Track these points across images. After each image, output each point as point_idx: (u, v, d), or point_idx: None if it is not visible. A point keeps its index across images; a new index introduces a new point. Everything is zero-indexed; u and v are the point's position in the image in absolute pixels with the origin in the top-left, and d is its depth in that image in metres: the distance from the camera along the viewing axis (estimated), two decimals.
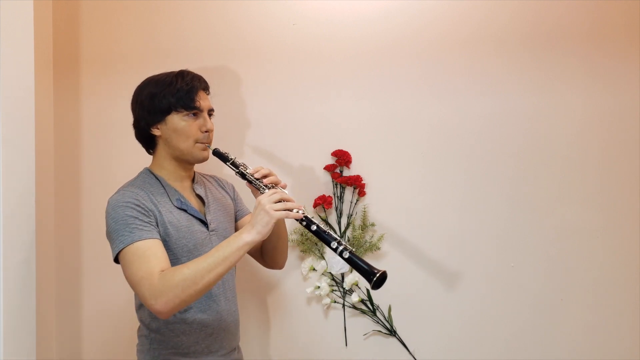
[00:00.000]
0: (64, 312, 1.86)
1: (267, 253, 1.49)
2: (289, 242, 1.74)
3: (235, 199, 1.54)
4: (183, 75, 1.35)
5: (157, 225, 1.25)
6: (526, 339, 1.73)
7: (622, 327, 1.71)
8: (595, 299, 1.71)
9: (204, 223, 1.36)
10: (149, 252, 1.18)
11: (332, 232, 1.24)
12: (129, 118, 1.82)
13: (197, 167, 1.47)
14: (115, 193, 1.28)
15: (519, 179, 1.74)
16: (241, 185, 1.74)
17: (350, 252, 1.19)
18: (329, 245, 1.21)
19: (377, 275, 1.16)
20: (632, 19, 1.73)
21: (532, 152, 1.74)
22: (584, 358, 1.71)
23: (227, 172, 1.79)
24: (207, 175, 1.54)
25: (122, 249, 1.19)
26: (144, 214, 1.23)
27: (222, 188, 1.53)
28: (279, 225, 1.43)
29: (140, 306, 1.35)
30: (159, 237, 1.24)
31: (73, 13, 1.86)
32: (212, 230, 1.37)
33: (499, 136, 1.75)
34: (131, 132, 1.80)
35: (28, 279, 1.45)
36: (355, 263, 1.18)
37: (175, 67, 1.76)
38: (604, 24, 1.73)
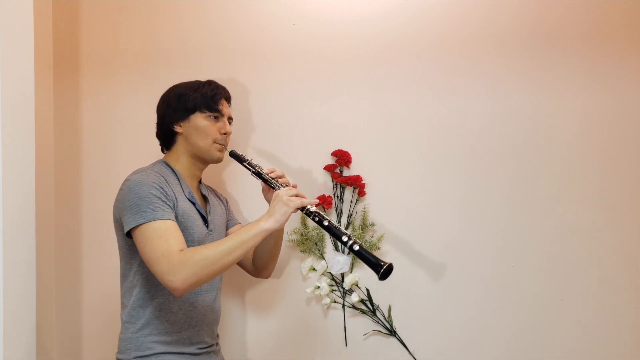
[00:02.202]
0: (64, 312, 1.86)
1: (260, 259, 1.56)
2: (288, 242, 1.76)
3: (228, 210, 1.63)
4: (210, 82, 1.50)
5: (174, 211, 1.31)
6: (526, 338, 1.73)
7: (622, 327, 1.70)
8: (595, 299, 1.71)
9: (205, 221, 1.43)
10: (169, 231, 1.24)
11: (341, 228, 1.36)
12: (129, 118, 1.84)
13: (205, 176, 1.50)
14: (137, 173, 1.34)
15: (519, 179, 1.74)
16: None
17: (360, 246, 1.31)
18: (340, 239, 1.33)
19: (385, 267, 1.28)
20: (632, 19, 1.73)
21: (532, 152, 1.74)
22: (584, 358, 1.71)
23: (230, 179, 1.80)
24: (206, 184, 1.61)
25: (142, 223, 1.23)
26: (166, 196, 1.30)
27: (218, 198, 1.61)
28: (277, 234, 1.51)
29: (127, 291, 1.37)
30: (176, 221, 1.29)
31: (73, 13, 1.86)
32: (211, 230, 1.43)
33: (499, 136, 1.75)
34: (131, 132, 1.81)
35: (28, 279, 1.45)
36: (363, 256, 1.31)
37: (175, 67, 1.77)
38: (604, 24, 1.73)
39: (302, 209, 1.33)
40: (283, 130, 1.79)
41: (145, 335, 1.33)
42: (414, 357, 1.74)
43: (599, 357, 1.70)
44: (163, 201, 1.28)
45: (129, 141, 1.83)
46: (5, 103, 1.36)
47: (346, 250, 1.75)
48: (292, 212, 1.30)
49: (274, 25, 1.80)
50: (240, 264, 1.62)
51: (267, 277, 1.62)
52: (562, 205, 1.73)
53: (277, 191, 1.33)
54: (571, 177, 1.73)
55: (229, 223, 1.60)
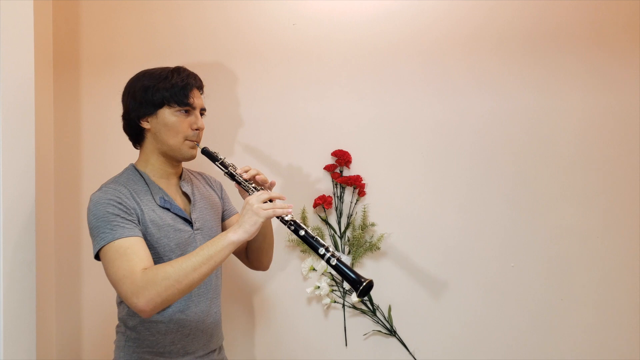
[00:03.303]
0: (64, 312, 1.86)
1: (252, 253, 1.49)
2: (288, 242, 1.75)
3: (223, 197, 1.53)
4: (179, 71, 1.34)
5: (139, 223, 1.24)
6: (526, 338, 1.73)
7: (622, 327, 1.71)
8: (596, 299, 1.71)
9: (188, 222, 1.34)
10: (130, 250, 1.17)
11: (319, 239, 1.23)
12: None
13: (186, 164, 1.46)
14: (98, 190, 1.27)
15: (519, 178, 1.74)
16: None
17: (337, 260, 1.19)
18: (316, 251, 1.21)
19: (364, 284, 1.17)
20: (632, 19, 1.73)
21: (532, 152, 1.74)
22: (584, 358, 1.71)
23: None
24: (194, 172, 1.52)
25: (103, 246, 1.18)
26: (125, 211, 1.22)
27: (210, 186, 1.51)
28: (265, 226, 1.42)
29: (120, 303, 1.35)
30: (140, 235, 1.22)
31: (73, 13, 1.86)
32: (197, 229, 1.35)
33: (499, 136, 1.75)
34: None
35: (28, 279, 1.45)
36: (342, 271, 1.19)
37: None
38: (604, 24, 1.73)
39: (278, 216, 1.22)
40: (283, 130, 1.79)
41: (136, 346, 1.30)
42: (414, 357, 1.74)
43: (599, 357, 1.70)
44: (122, 217, 1.20)
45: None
46: (5, 103, 1.36)
47: (346, 249, 1.76)
48: (263, 222, 1.19)
49: (274, 25, 1.80)
50: (238, 257, 1.54)
51: (264, 269, 1.53)
52: (562, 205, 1.73)
53: (247, 197, 1.22)
54: (571, 176, 1.73)
55: (225, 214, 1.50)
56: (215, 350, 1.41)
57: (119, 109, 1.84)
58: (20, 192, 1.43)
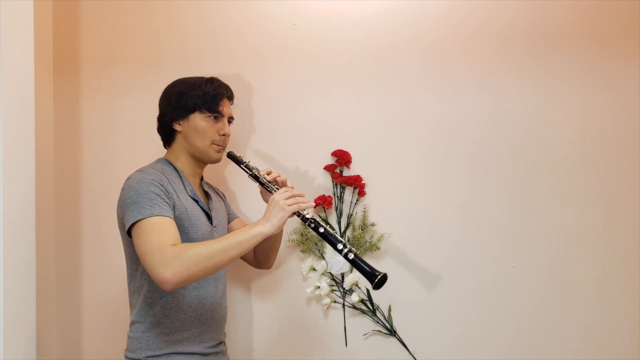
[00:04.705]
0: (64, 312, 1.86)
1: (263, 252, 1.57)
2: (288, 242, 1.76)
3: (227, 205, 1.64)
4: (212, 81, 1.47)
5: (174, 209, 1.32)
6: (526, 338, 1.73)
7: (622, 327, 1.71)
8: (596, 299, 1.71)
9: (209, 217, 1.43)
10: (164, 227, 1.24)
11: (337, 235, 1.34)
12: (129, 118, 1.83)
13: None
14: (139, 171, 1.34)
15: (519, 178, 1.74)
16: (230, 194, 1.75)
17: (354, 254, 1.29)
18: (335, 247, 1.31)
19: (379, 277, 1.26)
20: (632, 19, 1.73)
21: (532, 152, 1.74)
22: (584, 358, 1.71)
23: (231, 178, 1.80)
24: (205, 181, 1.60)
25: (140, 219, 1.23)
26: (165, 194, 1.30)
27: (217, 192, 1.62)
28: None
29: (135, 291, 1.37)
30: (174, 219, 1.29)
31: (73, 13, 1.87)
32: (215, 226, 1.44)
33: (499, 136, 1.75)
34: (131, 131, 1.81)
35: (28, 278, 1.45)
36: (358, 265, 1.29)
37: (176, 68, 1.77)
38: (604, 24, 1.73)
39: (299, 215, 1.32)
40: (283, 131, 1.79)
41: (155, 335, 1.33)
42: (414, 357, 1.74)
43: (599, 357, 1.70)
44: (162, 198, 1.28)
45: (129, 141, 1.83)
46: (5, 103, 1.36)
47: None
48: (289, 217, 1.29)
49: (274, 25, 1.80)
50: (243, 258, 1.62)
51: (269, 268, 1.64)
52: (562, 204, 1.73)
53: (273, 195, 1.33)
54: (571, 176, 1.73)
55: (229, 217, 1.61)
56: (221, 342, 1.48)
57: (119, 109, 1.85)
58: (20, 192, 1.43)
